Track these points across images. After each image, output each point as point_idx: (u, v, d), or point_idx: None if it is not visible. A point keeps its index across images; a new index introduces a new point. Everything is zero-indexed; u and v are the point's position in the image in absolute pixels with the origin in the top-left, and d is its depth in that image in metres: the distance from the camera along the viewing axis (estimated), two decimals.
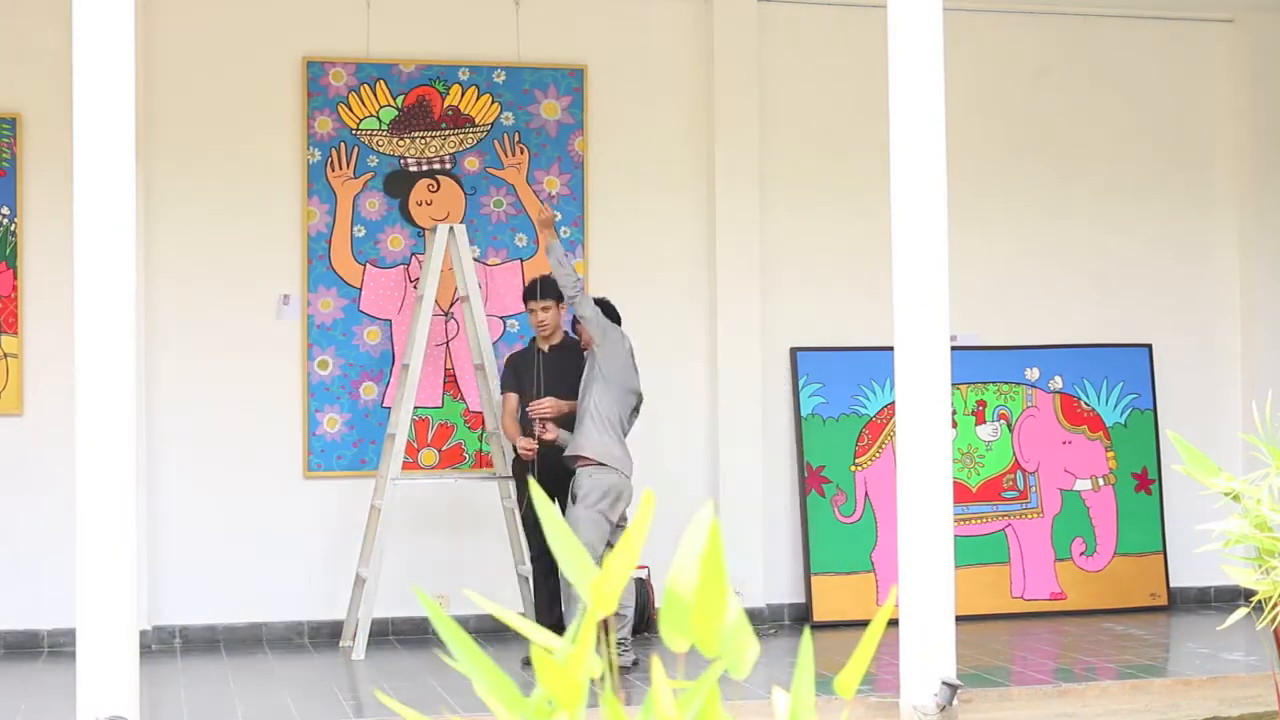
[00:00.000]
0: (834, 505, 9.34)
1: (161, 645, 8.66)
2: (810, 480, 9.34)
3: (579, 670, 1.98)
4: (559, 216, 8.97)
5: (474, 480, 8.99)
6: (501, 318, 9.15)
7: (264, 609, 8.85)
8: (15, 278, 8.67)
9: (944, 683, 6.44)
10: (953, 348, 9.26)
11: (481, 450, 9.10)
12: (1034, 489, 9.60)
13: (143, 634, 8.38)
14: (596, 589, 2.02)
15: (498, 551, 8.99)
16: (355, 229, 9.02)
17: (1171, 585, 9.75)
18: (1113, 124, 9.94)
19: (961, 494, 9.41)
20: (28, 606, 8.59)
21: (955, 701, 6.45)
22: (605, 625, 2.07)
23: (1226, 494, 4.74)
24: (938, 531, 6.53)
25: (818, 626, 9.20)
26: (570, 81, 9.27)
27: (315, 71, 9.01)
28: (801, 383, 9.41)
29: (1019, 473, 9.60)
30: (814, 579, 9.27)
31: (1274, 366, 9.91)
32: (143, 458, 8.44)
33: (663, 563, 8.34)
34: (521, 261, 9.17)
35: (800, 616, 9.36)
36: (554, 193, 9.22)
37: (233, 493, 8.84)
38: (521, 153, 9.21)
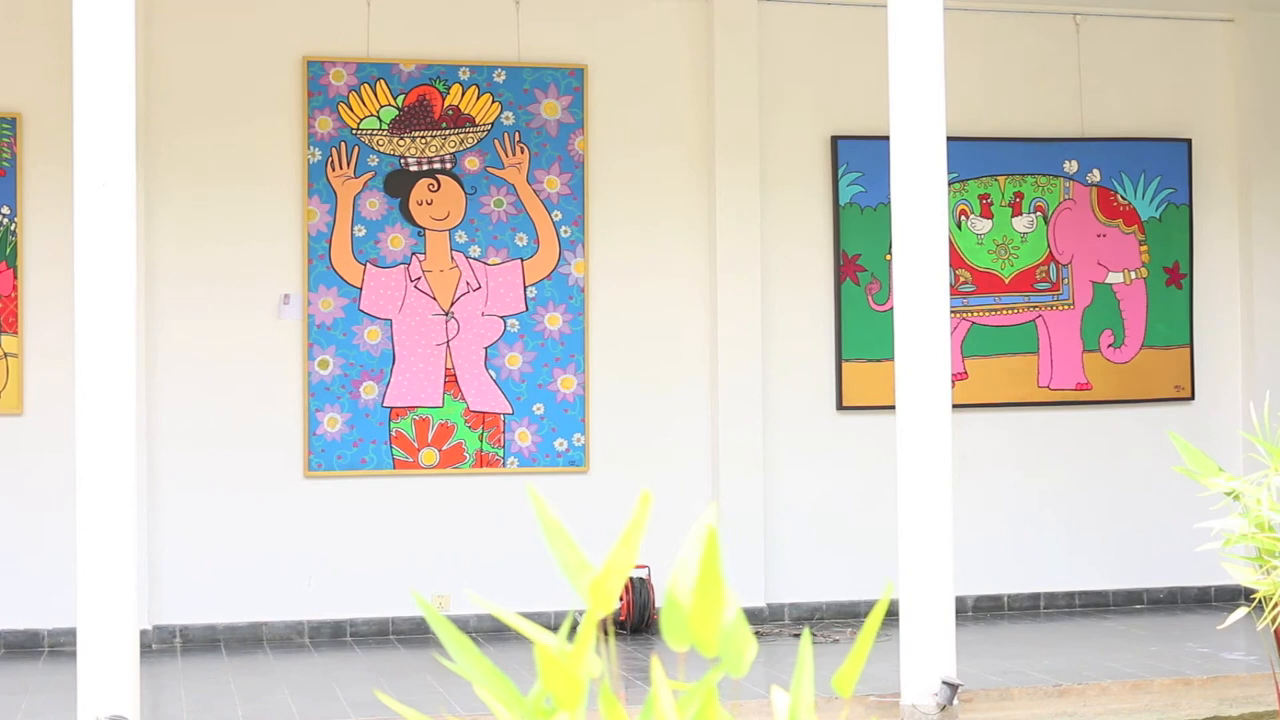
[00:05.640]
0: (868, 293, 9.43)
1: (161, 645, 8.66)
2: (845, 268, 9.44)
3: (580, 670, 1.98)
4: None
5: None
6: (502, 317, 9.15)
7: (264, 609, 8.86)
8: (15, 278, 8.67)
9: (944, 682, 6.45)
10: (993, 139, 9.50)
11: (482, 450, 9.10)
12: (1066, 281, 9.76)
13: (143, 634, 8.39)
14: (595, 589, 2.03)
15: (499, 550, 9.00)
16: (355, 228, 9.02)
17: (1174, 584, 9.77)
18: (1112, 124, 9.94)
19: (994, 284, 9.67)
20: (28, 606, 8.59)
21: (955, 701, 6.45)
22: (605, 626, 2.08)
23: (1227, 494, 4.74)
24: (938, 531, 6.53)
25: (846, 409, 9.28)
26: (570, 81, 9.28)
27: (315, 71, 9.01)
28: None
29: (1052, 264, 9.75)
30: (845, 365, 9.44)
31: (1274, 366, 9.92)
32: (143, 458, 8.44)
33: (663, 562, 8.36)
34: (521, 261, 9.18)
35: (801, 616, 9.37)
36: (554, 192, 9.23)
37: (233, 493, 8.84)
38: (522, 152, 9.21)
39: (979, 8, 9.68)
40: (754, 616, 9.06)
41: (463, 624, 8.83)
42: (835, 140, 9.52)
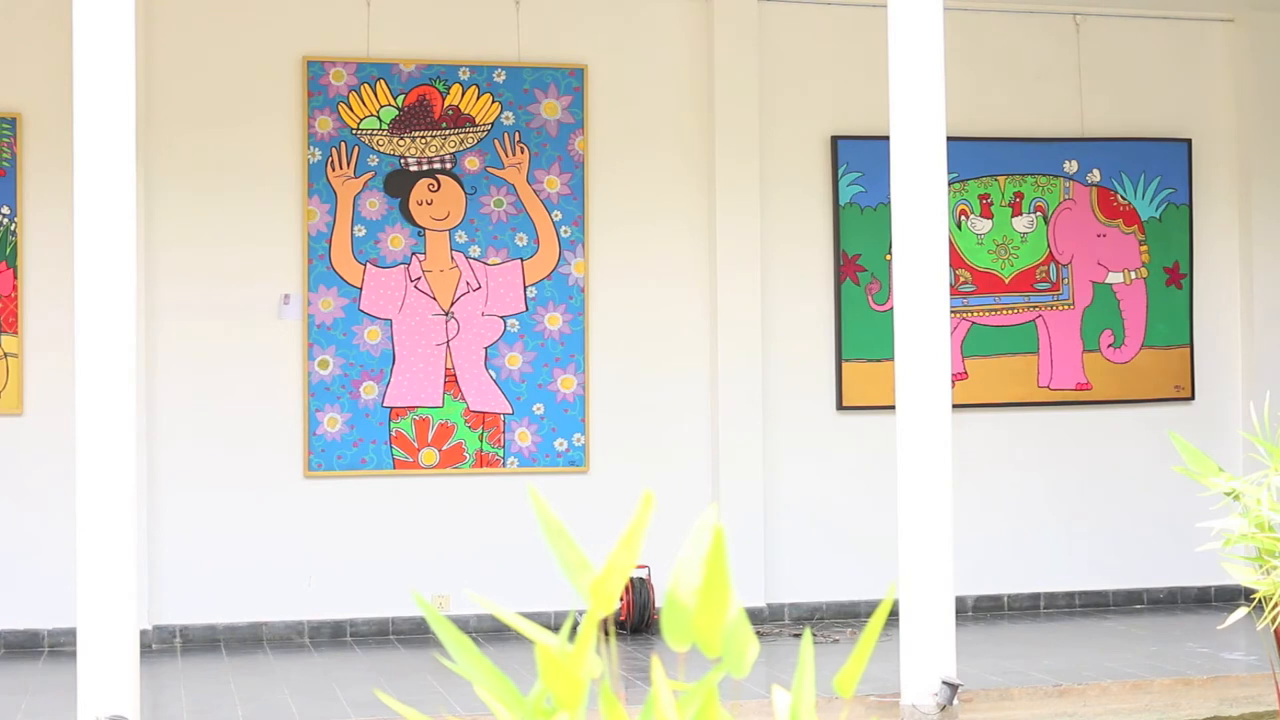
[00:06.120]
0: (868, 293, 9.45)
1: (161, 645, 8.66)
2: (845, 268, 9.45)
3: (580, 670, 1.98)
4: None
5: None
6: (502, 317, 9.15)
7: (264, 609, 8.86)
8: (15, 277, 8.67)
9: (944, 682, 6.45)
10: (993, 139, 9.54)
11: (482, 450, 9.10)
12: (1066, 281, 9.78)
13: (143, 634, 8.39)
14: (596, 589, 2.03)
15: (499, 550, 9.01)
16: (355, 228, 9.02)
17: (1174, 584, 9.77)
18: (1112, 124, 9.94)
19: (994, 284, 9.70)
20: (28, 606, 8.59)
21: (955, 701, 6.45)
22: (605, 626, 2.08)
23: (1227, 494, 4.74)
24: (938, 531, 6.53)
25: (846, 409, 9.34)
26: (570, 81, 9.28)
27: (315, 71, 9.01)
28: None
29: (1052, 264, 9.77)
30: (845, 365, 9.46)
31: (1274, 366, 9.92)
32: (143, 457, 8.44)
33: (663, 562, 8.36)
34: (521, 261, 9.18)
35: (801, 616, 9.37)
36: (554, 192, 9.23)
37: (233, 493, 8.84)
38: (522, 152, 9.21)
39: (979, 8, 9.68)
40: (754, 616, 9.06)
41: (463, 624, 8.83)
42: (835, 140, 9.52)
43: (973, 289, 9.69)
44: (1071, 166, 9.83)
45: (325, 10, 9.06)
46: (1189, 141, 9.98)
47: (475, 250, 9.12)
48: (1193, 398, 9.93)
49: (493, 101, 9.19)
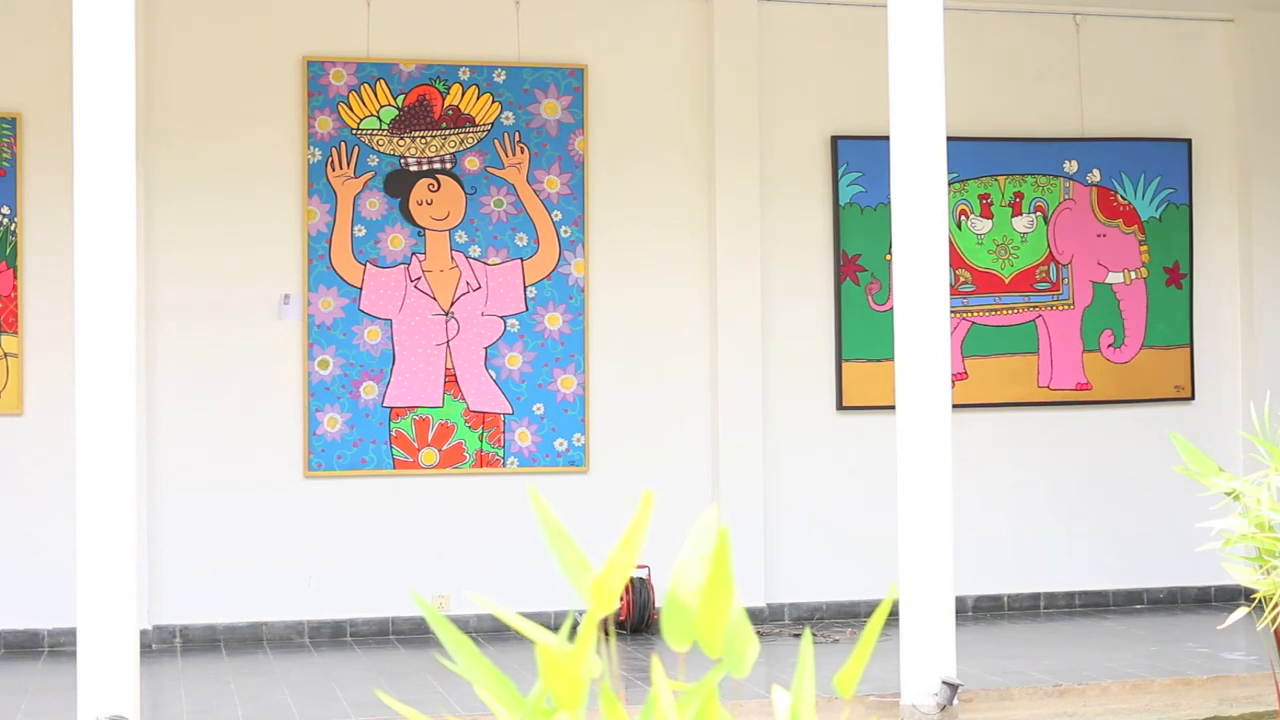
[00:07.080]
0: (868, 293, 9.45)
1: (161, 645, 8.66)
2: (845, 268, 9.46)
3: (580, 670, 1.98)
4: None
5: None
6: (502, 317, 9.15)
7: (264, 609, 8.86)
8: (15, 277, 8.67)
9: (944, 682, 6.45)
10: (993, 139, 9.55)
11: (482, 450, 9.10)
12: (1066, 281, 9.79)
13: (143, 634, 8.39)
14: (596, 588, 2.03)
15: (499, 550, 9.01)
16: (355, 228, 9.02)
17: (1174, 584, 9.78)
18: (1112, 124, 9.95)
19: (994, 284, 9.71)
20: (28, 606, 8.60)
21: (955, 701, 6.46)
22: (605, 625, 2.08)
23: (1227, 494, 4.74)
24: (938, 531, 6.53)
25: (846, 409, 9.41)
26: (570, 81, 9.28)
27: (315, 71, 9.01)
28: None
29: (1052, 264, 9.78)
30: (845, 365, 9.46)
31: (1274, 366, 9.93)
32: (143, 457, 8.44)
33: (663, 562, 8.36)
34: (521, 261, 9.18)
35: (801, 616, 9.37)
36: (554, 192, 9.23)
37: (233, 493, 8.84)
38: (522, 152, 9.21)
39: (979, 8, 9.68)
40: (754, 616, 9.06)
41: (463, 624, 8.83)
42: (835, 140, 9.53)
43: (973, 289, 9.70)
44: (1071, 166, 9.83)
45: (325, 10, 9.06)
46: (1189, 141, 9.98)
47: (475, 250, 9.12)
48: (1193, 398, 9.94)
49: (493, 101, 9.19)
